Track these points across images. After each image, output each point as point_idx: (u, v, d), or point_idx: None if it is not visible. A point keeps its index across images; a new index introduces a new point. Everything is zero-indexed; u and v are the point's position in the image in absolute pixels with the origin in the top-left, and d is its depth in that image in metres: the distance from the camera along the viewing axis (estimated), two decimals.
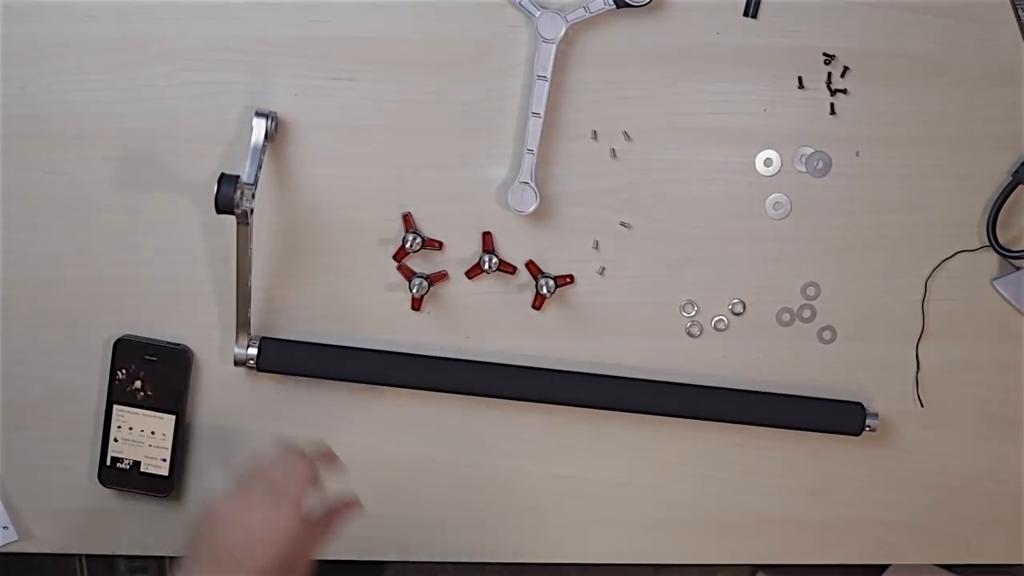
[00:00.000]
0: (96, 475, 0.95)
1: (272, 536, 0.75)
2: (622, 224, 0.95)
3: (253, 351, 0.92)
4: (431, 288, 0.94)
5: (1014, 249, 0.96)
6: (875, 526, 1.01)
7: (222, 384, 0.95)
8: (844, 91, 0.94)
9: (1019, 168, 0.95)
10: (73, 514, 0.97)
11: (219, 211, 0.80)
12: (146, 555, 0.99)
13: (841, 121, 0.95)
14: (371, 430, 0.97)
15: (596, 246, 0.95)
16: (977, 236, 0.97)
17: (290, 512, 0.76)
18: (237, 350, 0.92)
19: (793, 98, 0.94)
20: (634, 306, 0.96)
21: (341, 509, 0.84)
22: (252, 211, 0.84)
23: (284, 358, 0.93)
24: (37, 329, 0.94)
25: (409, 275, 0.94)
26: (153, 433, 0.94)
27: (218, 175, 0.81)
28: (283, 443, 0.80)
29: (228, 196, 0.80)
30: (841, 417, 0.96)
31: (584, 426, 0.97)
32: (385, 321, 0.95)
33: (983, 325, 0.98)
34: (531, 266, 0.95)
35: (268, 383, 0.95)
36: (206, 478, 0.97)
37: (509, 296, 0.96)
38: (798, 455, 0.99)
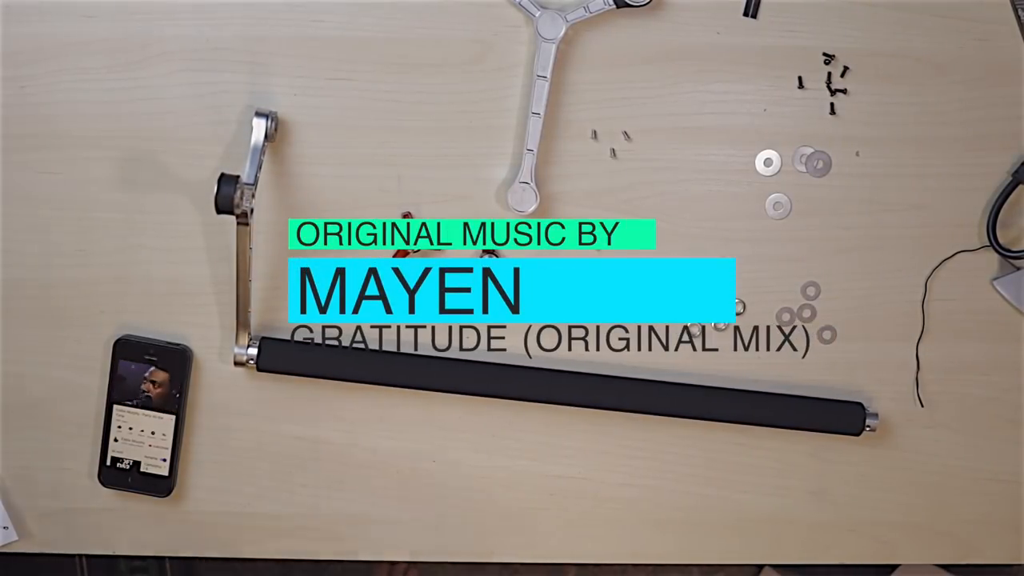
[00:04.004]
0: (96, 475, 0.95)
1: None
2: None
3: (253, 351, 0.92)
4: None
5: (1014, 249, 0.96)
6: (875, 526, 1.01)
7: (222, 384, 0.95)
8: (844, 91, 0.94)
9: (1019, 168, 0.95)
10: (73, 514, 0.97)
11: (219, 211, 0.80)
12: (146, 555, 0.99)
13: (841, 121, 0.95)
14: (371, 430, 0.96)
15: None
16: (977, 236, 0.97)
17: None
18: (237, 350, 0.92)
19: (793, 98, 0.94)
20: None
21: None
22: (252, 211, 0.84)
23: (284, 358, 0.93)
24: (37, 329, 0.94)
25: None
26: (153, 433, 0.94)
27: (218, 175, 0.81)
28: None
29: (228, 196, 0.80)
30: (841, 417, 0.96)
31: (584, 426, 0.97)
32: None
33: (983, 325, 0.98)
34: None
35: (268, 383, 0.95)
36: (206, 478, 0.97)
37: None
38: (798, 455, 0.99)
